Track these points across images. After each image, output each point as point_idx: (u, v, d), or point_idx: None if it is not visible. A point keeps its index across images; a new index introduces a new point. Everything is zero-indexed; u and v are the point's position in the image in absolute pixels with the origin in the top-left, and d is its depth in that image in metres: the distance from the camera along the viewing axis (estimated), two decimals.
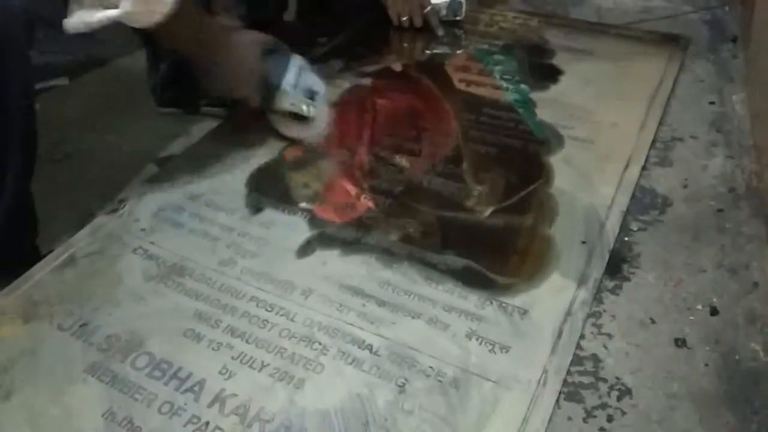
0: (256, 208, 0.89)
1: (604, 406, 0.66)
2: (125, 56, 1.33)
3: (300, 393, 0.66)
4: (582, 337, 0.72)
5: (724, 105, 1.09)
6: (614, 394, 0.67)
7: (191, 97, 1.12)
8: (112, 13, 0.71)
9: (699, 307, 0.76)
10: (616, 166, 0.95)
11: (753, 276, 0.79)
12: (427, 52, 1.27)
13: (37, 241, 0.87)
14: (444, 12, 1.32)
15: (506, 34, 1.31)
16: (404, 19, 1.31)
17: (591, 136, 1.01)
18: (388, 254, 0.82)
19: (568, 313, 0.74)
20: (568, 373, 0.68)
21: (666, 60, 1.20)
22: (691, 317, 0.75)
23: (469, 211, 0.88)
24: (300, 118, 0.96)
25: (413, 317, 0.74)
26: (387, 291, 0.77)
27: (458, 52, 1.26)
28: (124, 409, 0.65)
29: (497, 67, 1.19)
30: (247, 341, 0.71)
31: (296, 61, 0.95)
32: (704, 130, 1.04)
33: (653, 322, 0.74)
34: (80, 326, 0.73)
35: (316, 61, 1.23)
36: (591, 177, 0.93)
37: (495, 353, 0.70)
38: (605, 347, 0.72)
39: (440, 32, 1.31)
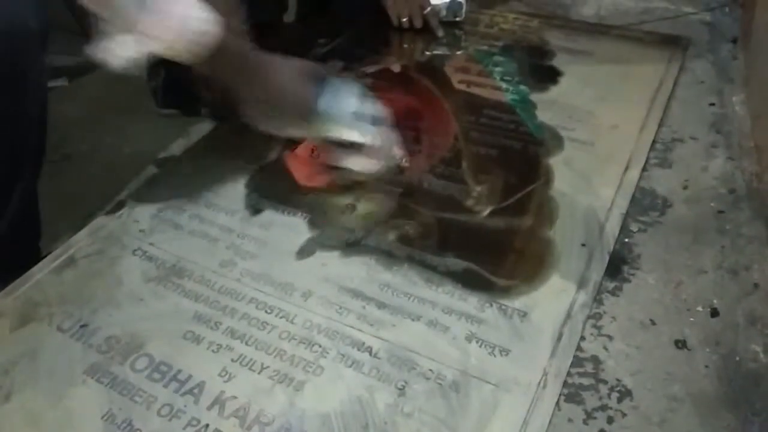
0: (255, 210, 0.89)
1: (604, 407, 0.66)
2: None
3: (300, 395, 0.66)
4: (582, 338, 0.72)
5: (724, 106, 1.09)
6: (614, 395, 0.67)
7: (191, 99, 1.12)
8: (152, 45, 0.66)
9: (699, 308, 0.76)
10: (616, 167, 0.95)
11: (753, 277, 0.79)
12: (427, 53, 1.27)
13: (39, 243, 0.87)
14: (444, 13, 1.32)
15: (506, 35, 1.31)
16: (404, 20, 1.30)
17: (591, 137, 1.01)
18: (388, 256, 0.82)
19: (568, 315, 0.74)
20: (569, 374, 0.68)
21: (666, 61, 1.20)
22: (692, 319, 0.74)
23: (468, 212, 0.88)
24: (363, 147, 0.84)
25: (413, 319, 0.74)
26: (387, 293, 0.77)
27: (458, 53, 1.26)
28: (123, 411, 0.65)
29: (497, 69, 1.19)
30: (246, 343, 0.71)
31: (356, 88, 0.85)
32: (704, 131, 1.04)
33: (653, 323, 0.74)
34: (80, 328, 0.73)
35: (316, 62, 1.23)
36: (591, 179, 0.93)
37: (495, 356, 0.69)
38: (605, 349, 0.72)
39: (440, 33, 1.31)
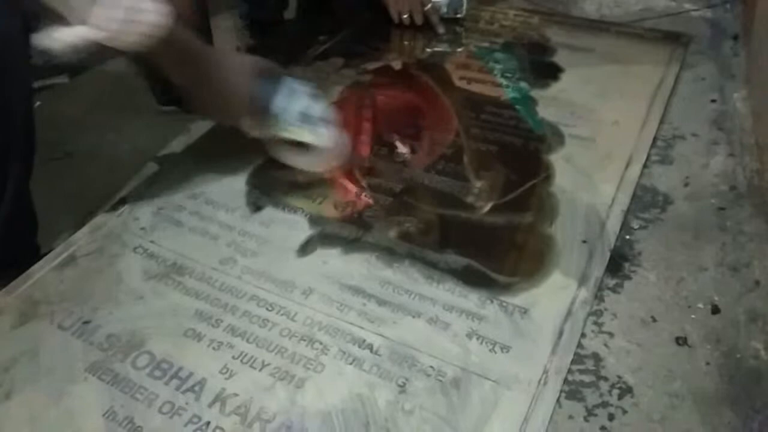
0: (256, 207, 0.89)
1: (605, 404, 0.66)
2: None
3: (300, 393, 0.66)
4: (583, 335, 0.72)
5: (725, 103, 1.09)
6: (615, 392, 0.67)
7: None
8: (98, 35, 0.65)
9: (700, 305, 0.76)
10: (617, 164, 0.94)
11: (754, 274, 0.79)
12: (428, 49, 1.27)
13: (37, 240, 0.87)
14: (444, 9, 1.32)
15: (507, 32, 1.30)
16: (405, 16, 1.30)
17: (592, 134, 1.01)
18: (388, 253, 0.81)
19: (569, 312, 0.74)
20: (569, 371, 0.68)
21: (667, 58, 1.19)
22: (693, 316, 0.74)
23: (469, 208, 0.88)
24: (306, 146, 0.87)
25: (414, 316, 0.74)
26: (387, 290, 0.77)
27: (459, 49, 1.26)
28: (124, 409, 0.65)
29: (498, 65, 1.19)
30: (247, 341, 0.71)
31: (300, 87, 0.86)
32: (705, 128, 1.03)
33: (654, 320, 0.74)
34: (81, 325, 0.73)
35: (317, 58, 1.24)
36: (592, 175, 0.92)
37: (495, 353, 0.69)
38: (606, 346, 0.72)
39: (441, 30, 1.30)
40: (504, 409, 0.64)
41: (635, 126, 1.02)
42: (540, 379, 0.67)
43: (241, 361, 0.69)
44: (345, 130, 0.91)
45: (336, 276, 0.79)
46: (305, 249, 0.83)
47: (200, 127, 1.09)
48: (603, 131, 1.01)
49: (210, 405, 0.65)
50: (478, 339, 0.71)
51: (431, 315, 0.74)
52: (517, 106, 1.08)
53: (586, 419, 0.65)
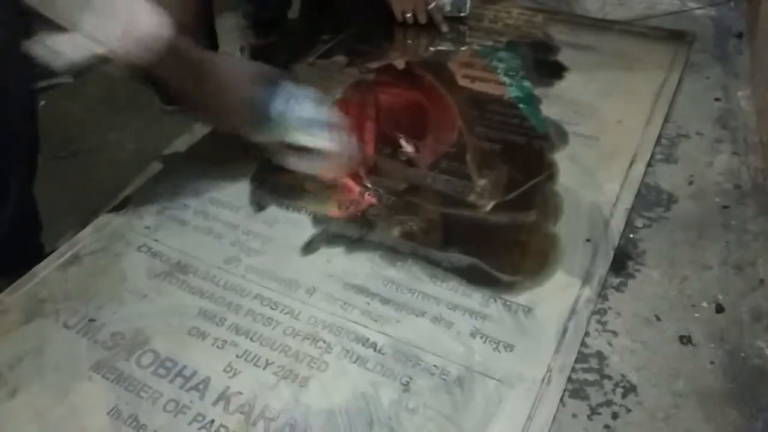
0: (260, 206, 0.89)
1: (609, 403, 0.66)
2: None
3: (304, 391, 0.66)
4: (587, 334, 0.72)
5: (729, 101, 1.09)
6: (619, 391, 0.67)
7: None
8: (97, 49, 0.64)
9: (704, 304, 0.75)
10: (621, 162, 0.94)
11: (759, 273, 0.79)
12: (431, 48, 1.27)
13: (41, 239, 0.87)
14: (448, 8, 1.32)
15: (510, 31, 1.30)
16: (408, 15, 1.30)
17: (596, 132, 1.00)
18: (392, 252, 0.82)
19: (573, 310, 0.74)
20: (573, 370, 0.68)
21: (671, 56, 1.19)
22: (697, 314, 0.74)
23: (473, 207, 0.88)
24: (311, 151, 0.86)
25: (417, 315, 0.74)
26: (391, 289, 0.77)
27: (462, 48, 1.26)
28: (129, 407, 0.65)
29: (501, 64, 1.19)
30: (251, 339, 0.71)
31: (304, 92, 0.85)
32: (710, 126, 1.03)
33: (658, 319, 0.74)
34: (86, 324, 0.73)
35: (320, 57, 1.24)
36: (596, 174, 0.92)
37: (499, 351, 0.70)
38: (610, 344, 0.72)
39: (444, 29, 1.30)
40: (508, 407, 0.64)
41: (639, 124, 1.02)
42: (544, 378, 0.67)
43: (245, 359, 0.69)
44: (351, 133, 0.90)
45: (340, 275, 0.79)
46: (309, 248, 0.83)
47: (204, 126, 1.09)
48: (607, 130, 1.01)
49: (214, 403, 0.65)
50: (481, 338, 0.71)
51: (435, 314, 0.74)
52: (521, 105, 1.08)
53: (589, 418, 0.65)
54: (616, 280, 0.79)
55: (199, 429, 0.63)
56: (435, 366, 0.68)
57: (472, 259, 0.80)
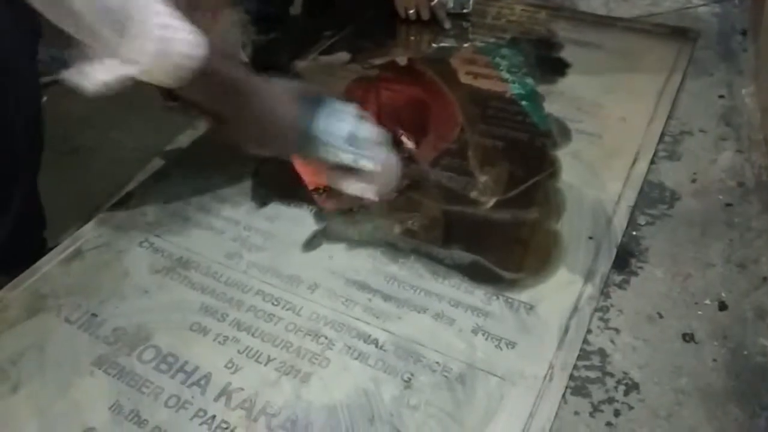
0: (262, 201, 0.89)
1: (611, 400, 0.66)
2: None
3: (306, 387, 0.66)
4: (589, 331, 0.72)
5: (733, 98, 1.08)
6: (621, 388, 0.67)
7: None
8: (128, 69, 0.61)
9: (707, 302, 0.75)
10: (624, 160, 0.94)
11: (762, 271, 0.78)
12: (434, 45, 1.27)
13: (44, 235, 0.87)
14: (451, 5, 1.31)
15: (513, 27, 1.30)
16: (411, 11, 1.30)
17: (599, 130, 1.00)
18: (394, 248, 0.81)
19: (575, 308, 0.73)
20: (575, 367, 0.68)
21: (675, 53, 1.19)
22: (699, 312, 0.74)
23: (474, 203, 0.88)
24: (361, 171, 0.80)
25: (419, 312, 0.73)
26: (393, 285, 0.77)
27: (465, 45, 1.25)
28: (131, 402, 0.65)
29: (504, 61, 1.18)
30: (253, 335, 0.71)
31: (349, 110, 0.80)
32: (713, 123, 1.03)
33: (661, 316, 0.74)
34: (87, 319, 0.74)
35: (323, 54, 1.23)
36: (599, 171, 0.92)
37: (501, 348, 0.69)
38: (612, 342, 0.71)
39: (447, 25, 1.30)
40: (509, 404, 0.64)
41: (642, 122, 1.02)
42: (546, 375, 0.67)
43: (247, 355, 0.69)
44: (395, 151, 0.84)
45: (341, 271, 0.79)
46: (311, 244, 0.83)
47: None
48: (610, 127, 1.01)
49: (216, 399, 0.65)
50: (483, 335, 0.71)
51: (437, 310, 0.73)
52: (524, 102, 1.07)
53: (591, 415, 0.65)
54: (618, 278, 0.78)
55: (200, 424, 0.63)
56: (437, 363, 0.68)
57: (475, 256, 0.80)
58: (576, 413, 0.65)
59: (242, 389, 0.66)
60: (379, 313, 0.73)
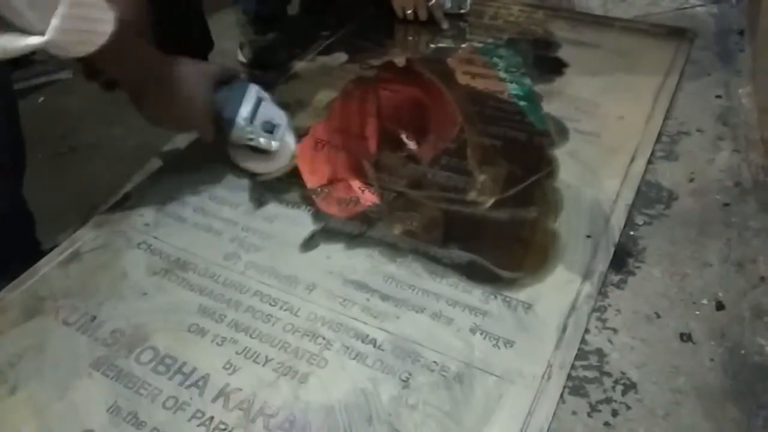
0: (259, 202, 0.89)
1: (608, 400, 0.66)
2: None
3: (304, 387, 0.66)
4: (587, 331, 0.72)
5: (730, 98, 1.08)
6: (619, 388, 0.67)
7: None
8: (34, 40, 0.61)
9: (705, 301, 0.75)
10: (621, 159, 0.94)
11: (759, 270, 0.79)
12: (432, 45, 1.27)
13: (35, 235, 0.87)
14: (449, 5, 1.32)
15: (511, 27, 1.30)
16: (409, 12, 1.30)
17: (597, 129, 1.00)
18: (392, 248, 0.81)
19: (573, 307, 0.74)
20: (573, 367, 0.68)
21: (672, 53, 1.19)
22: (697, 312, 0.74)
23: (473, 204, 0.88)
24: (261, 151, 0.90)
25: (417, 311, 0.73)
26: (391, 285, 0.77)
27: (462, 45, 1.25)
28: (129, 404, 0.65)
29: (501, 61, 1.19)
30: (251, 336, 0.71)
31: (253, 92, 0.88)
32: (711, 123, 1.03)
33: (658, 316, 0.74)
34: (85, 321, 0.73)
35: (320, 54, 1.23)
36: (596, 170, 0.92)
37: (499, 348, 0.69)
38: (610, 342, 0.71)
39: (445, 25, 1.30)
40: (507, 404, 0.64)
41: (640, 121, 1.02)
42: (544, 375, 0.67)
43: (245, 356, 0.69)
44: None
45: (339, 271, 0.79)
46: (309, 244, 0.83)
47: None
48: (608, 126, 1.01)
49: (213, 400, 0.65)
50: (481, 334, 0.71)
51: (435, 310, 0.73)
52: (521, 102, 1.08)
53: (589, 415, 0.65)
54: (616, 277, 0.78)
55: (198, 426, 0.63)
56: (435, 362, 0.68)
57: (472, 256, 0.80)
58: (574, 413, 0.65)
59: (240, 390, 0.66)
60: (377, 313, 0.73)
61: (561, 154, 0.96)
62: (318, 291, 0.76)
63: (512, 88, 1.11)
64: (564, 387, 0.66)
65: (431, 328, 0.72)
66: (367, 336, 0.71)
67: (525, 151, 0.97)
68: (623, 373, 0.68)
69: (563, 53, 1.21)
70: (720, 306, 0.75)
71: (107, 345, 0.71)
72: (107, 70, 0.75)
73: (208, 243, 0.83)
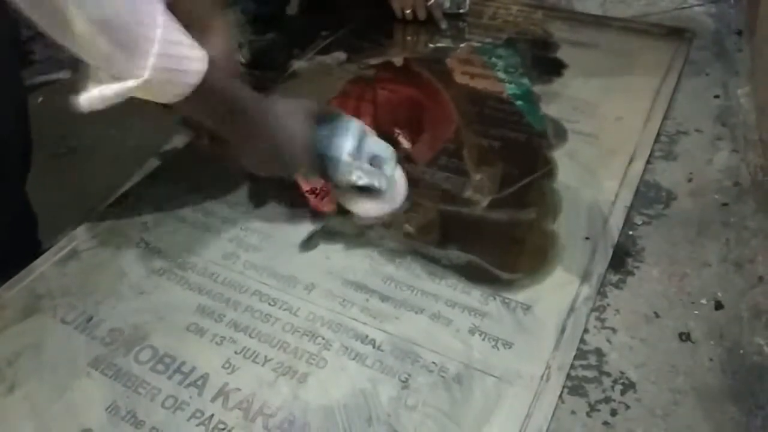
0: (258, 202, 0.89)
1: (607, 400, 0.66)
2: None
3: (303, 388, 0.66)
4: (586, 331, 0.72)
5: (729, 99, 1.08)
6: (618, 388, 0.67)
7: None
8: (130, 84, 0.58)
9: (703, 301, 0.75)
10: (620, 160, 0.94)
11: (758, 270, 0.79)
12: (430, 45, 1.27)
13: (37, 235, 0.87)
14: (447, 5, 1.32)
15: (510, 27, 1.30)
16: (408, 11, 1.30)
17: (595, 130, 1.00)
18: (391, 249, 0.81)
19: (572, 308, 0.74)
20: (572, 367, 0.68)
21: (671, 53, 1.19)
22: (696, 312, 0.74)
23: (471, 204, 0.88)
24: (370, 190, 0.79)
25: (416, 312, 0.73)
26: (390, 286, 0.77)
27: (461, 45, 1.25)
28: (127, 403, 0.65)
29: (500, 61, 1.19)
30: (250, 335, 0.71)
31: (354, 126, 0.77)
32: (709, 123, 1.03)
33: (657, 316, 0.74)
34: (84, 320, 0.73)
35: (319, 53, 1.23)
36: (595, 171, 0.92)
37: (498, 349, 0.69)
38: (609, 341, 0.71)
39: (443, 25, 1.30)
40: (506, 404, 0.64)
41: (639, 122, 1.02)
42: (542, 375, 0.67)
43: (244, 356, 0.69)
44: (401, 167, 0.83)
45: (338, 271, 0.79)
46: (308, 244, 0.83)
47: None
48: (606, 127, 1.01)
49: (213, 400, 0.65)
50: (480, 335, 0.71)
51: (434, 311, 0.73)
52: (520, 102, 1.08)
53: (588, 415, 0.65)
54: (615, 278, 0.79)
55: (197, 425, 0.63)
56: (434, 363, 0.68)
57: (471, 257, 0.80)
58: (573, 413, 0.65)
59: (239, 390, 0.66)
60: (376, 314, 0.73)
61: (559, 154, 0.96)
62: (317, 291, 0.76)
63: (511, 89, 1.11)
64: (563, 387, 0.66)
65: (430, 329, 0.72)
66: (367, 336, 0.71)
67: (523, 152, 0.97)
68: (622, 372, 0.68)
69: (562, 54, 1.21)
70: (719, 306, 0.75)
71: (106, 344, 0.71)
72: (201, 115, 0.68)
73: (207, 242, 0.83)
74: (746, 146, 0.98)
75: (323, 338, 0.71)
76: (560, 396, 0.65)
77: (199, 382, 0.67)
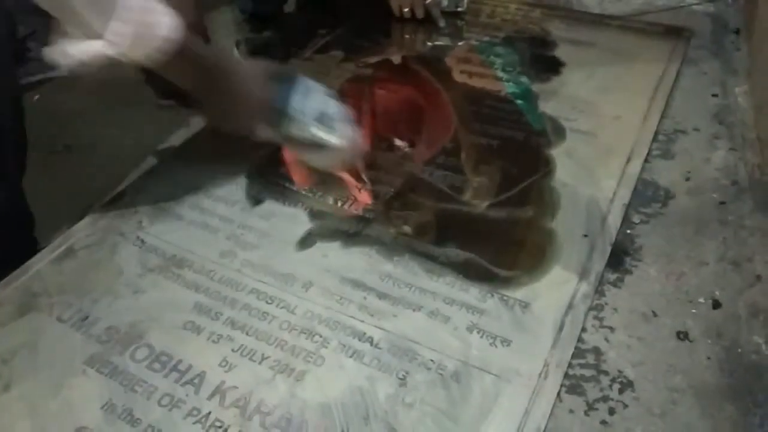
0: (256, 200, 0.89)
1: (605, 399, 0.66)
2: None
3: (300, 386, 0.66)
4: (583, 330, 0.72)
5: (727, 97, 1.08)
6: (616, 387, 0.67)
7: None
8: (108, 50, 0.62)
9: (701, 300, 0.75)
10: (618, 158, 0.94)
11: (756, 269, 0.79)
12: (428, 43, 1.26)
13: (35, 232, 0.87)
14: (446, 3, 1.32)
15: (508, 26, 1.30)
16: (406, 10, 1.30)
17: (593, 128, 1.00)
18: (388, 246, 0.81)
19: (570, 306, 0.73)
20: (570, 366, 0.68)
21: (669, 52, 1.19)
22: (694, 310, 0.74)
23: (469, 202, 0.87)
24: (323, 145, 0.82)
25: (414, 310, 0.73)
26: (388, 283, 0.77)
27: (459, 43, 1.25)
28: (123, 401, 0.65)
29: (499, 59, 1.18)
30: (247, 334, 0.71)
31: (310, 85, 0.82)
32: (707, 122, 1.03)
33: (655, 315, 0.74)
34: (80, 318, 0.73)
35: (317, 52, 1.23)
36: (593, 170, 0.92)
37: (496, 346, 0.69)
38: (607, 340, 0.71)
39: (442, 24, 1.30)
40: (504, 402, 0.64)
41: (637, 120, 1.02)
42: (541, 373, 0.66)
43: (241, 354, 0.69)
44: (359, 127, 0.87)
45: (336, 269, 0.78)
46: (305, 242, 0.82)
47: (200, 120, 1.08)
48: (604, 126, 1.01)
49: (209, 398, 0.65)
50: (478, 333, 0.71)
51: (432, 308, 0.73)
52: (518, 101, 1.07)
53: (586, 413, 0.65)
54: (613, 276, 0.78)
55: (194, 423, 0.63)
56: (432, 360, 0.68)
57: (469, 254, 0.80)
58: (571, 411, 0.65)
59: (236, 388, 0.66)
60: (373, 311, 0.73)
61: (558, 153, 0.96)
62: (315, 289, 0.76)
63: (509, 87, 1.11)
64: (561, 385, 0.66)
65: (428, 327, 0.71)
66: (364, 334, 0.71)
67: (522, 151, 0.97)
68: (620, 371, 0.68)
69: (560, 52, 1.21)
70: (716, 304, 0.75)
71: (102, 342, 0.70)
72: (168, 74, 0.72)
73: (204, 240, 0.83)
74: (744, 145, 0.98)
75: (321, 336, 0.71)
76: (558, 394, 0.65)
77: (196, 380, 0.66)
